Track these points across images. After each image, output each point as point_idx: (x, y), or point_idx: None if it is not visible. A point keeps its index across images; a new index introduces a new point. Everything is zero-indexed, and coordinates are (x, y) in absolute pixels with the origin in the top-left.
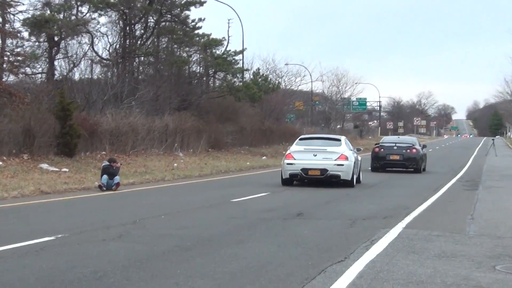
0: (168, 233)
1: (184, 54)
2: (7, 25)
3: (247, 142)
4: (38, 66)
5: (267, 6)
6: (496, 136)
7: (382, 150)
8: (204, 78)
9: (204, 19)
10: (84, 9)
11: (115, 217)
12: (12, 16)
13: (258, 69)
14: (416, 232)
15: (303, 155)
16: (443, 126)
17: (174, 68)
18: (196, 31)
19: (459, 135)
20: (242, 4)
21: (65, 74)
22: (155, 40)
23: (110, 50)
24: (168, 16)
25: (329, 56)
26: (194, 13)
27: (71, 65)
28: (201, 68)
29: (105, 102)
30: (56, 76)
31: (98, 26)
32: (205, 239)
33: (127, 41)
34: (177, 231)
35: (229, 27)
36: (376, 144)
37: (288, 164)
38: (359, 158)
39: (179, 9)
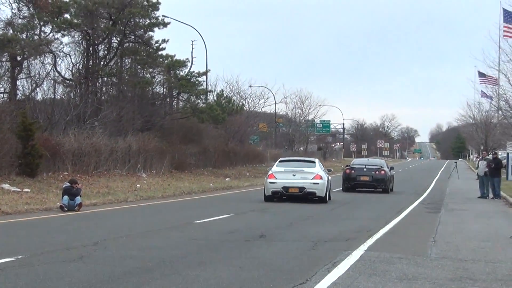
0: (129, 254)
1: (148, 75)
2: None
3: (211, 164)
4: (0, 86)
5: (230, 28)
6: (459, 159)
7: (353, 171)
8: (168, 99)
9: (167, 40)
10: (47, 29)
11: (76, 238)
12: None
13: (222, 90)
14: (378, 254)
15: (283, 175)
16: (406, 148)
17: (137, 89)
18: (160, 52)
19: (422, 158)
20: (206, 26)
21: (27, 94)
22: (119, 60)
23: (73, 70)
24: (132, 37)
25: (293, 78)
26: (157, 34)
27: (34, 85)
28: (164, 89)
29: (67, 122)
30: (18, 96)
31: (61, 46)
32: (166, 260)
33: (90, 61)
34: (139, 253)
35: (192, 48)
36: (347, 166)
37: (270, 183)
38: (329, 177)
39: (142, 30)
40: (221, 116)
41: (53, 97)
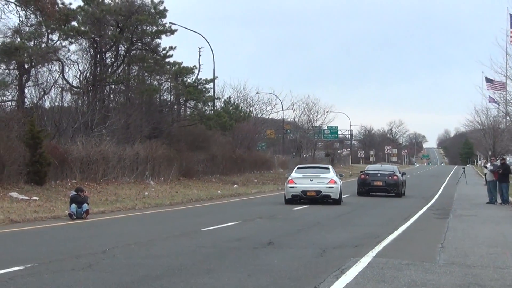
0: (137, 262)
1: (155, 82)
2: None
3: (218, 171)
4: (8, 93)
5: (238, 35)
6: (467, 165)
7: (367, 177)
8: (175, 107)
9: (175, 48)
10: (55, 36)
11: (85, 246)
12: None
13: (229, 97)
14: (386, 261)
15: (302, 180)
16: (414, 154)
17: (145, 96)
18: (167, 60)
19: (430, 164)
20: (213, 33)
21: (35, 102)
22: (126, 68)
23: (81, 78)
24: (139, 44)
25: (300, 85)
26: (165, 41)
27: (41, 93)
28: (172, 97)
29: (75, 130)
30: (26, 104)
31: (69, 54)
32: (175, 268)
33: (98, 69)
34: (147, 260)
35: (200, 55)
36: (362, 171)
37: (290, 187)
38: (341, 182)
39: (149, 37)
40: (228, 123)
41: (60, 104)
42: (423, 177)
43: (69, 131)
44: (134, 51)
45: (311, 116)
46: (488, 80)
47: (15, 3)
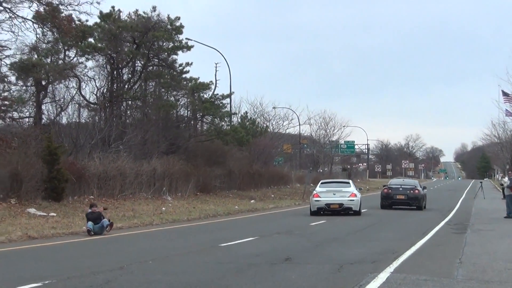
0: (155, 279)
1: (172, 98)
2: None
3: (236, 186)
4: (26, 110)
5: (254, 50)
6: (485, 179)
7: (390, 191)
8: (192, 122)
9: (191, 63)
10: (72, 53)
11: (102, 263)
12: None
13: (246, 112)
14: (404, 276)
15: (326, 194)
16: (431, 168)
17: (161, 112)
18: (184, 75)
19: (447, 177)
20: (229, 48)
21: (52, 118)
22: (143, 84)
23: (98, 94)
24: (156, 60)
25: (317, 99)
26: (181, 57)
27: (59, 109)
28: (188, 112)
29: (92, 146)
30: (43, 120)
31: (86, 70)
32: (192, 285)
33: (115, 85)
34: (165, 277)
35: (216, 71)
36: (385, 185)
37: (316, 200)
38: (360, 195)
39: (166, 53)
40: (245, 138)
41: (78, 121)
42: (440, 191)
43: (86, 147)
44: (151, 67)
45: (327, 130)
46: (505, 94)
47: (32, 20)
